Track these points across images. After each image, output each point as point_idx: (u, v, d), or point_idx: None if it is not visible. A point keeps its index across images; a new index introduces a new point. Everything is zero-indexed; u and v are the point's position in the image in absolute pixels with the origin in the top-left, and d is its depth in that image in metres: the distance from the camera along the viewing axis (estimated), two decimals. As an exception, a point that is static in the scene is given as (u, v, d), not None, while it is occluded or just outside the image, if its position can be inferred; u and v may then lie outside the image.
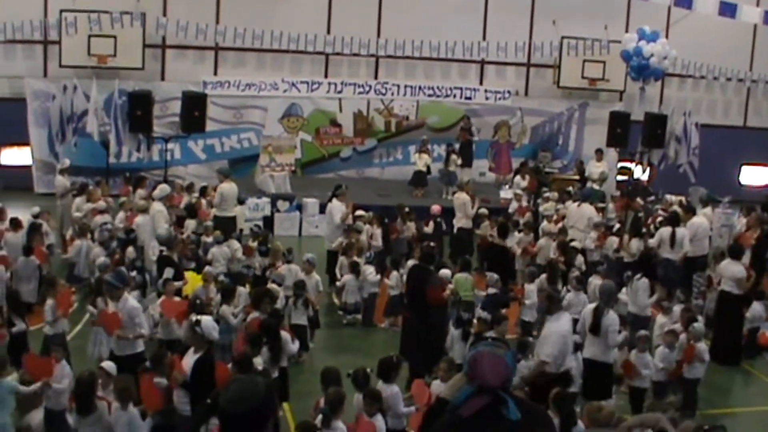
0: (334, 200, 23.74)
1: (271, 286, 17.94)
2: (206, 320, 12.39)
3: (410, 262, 20.16)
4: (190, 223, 23.12)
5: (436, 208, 25.81)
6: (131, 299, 14.45)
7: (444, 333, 16.88)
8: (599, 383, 15.49)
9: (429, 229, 24.99)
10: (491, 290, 19.35)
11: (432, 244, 19.74)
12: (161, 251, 19.49)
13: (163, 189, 22.88)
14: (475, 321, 16.83)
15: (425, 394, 13.29)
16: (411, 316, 17.24)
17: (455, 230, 25.82)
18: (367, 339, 19.79)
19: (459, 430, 5.89)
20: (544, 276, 20.14)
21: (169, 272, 18.05)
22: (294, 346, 15.36)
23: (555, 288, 17.01)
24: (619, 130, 30.66)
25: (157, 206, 21.94)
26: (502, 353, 6.04)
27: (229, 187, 24.33)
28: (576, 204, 25.56)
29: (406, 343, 17.06)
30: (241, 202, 25.64)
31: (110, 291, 14.60)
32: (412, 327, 17.03)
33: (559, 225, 24.75)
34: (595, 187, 30.64)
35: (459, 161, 32.65)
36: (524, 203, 28.23)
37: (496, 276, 19.63)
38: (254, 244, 21.59)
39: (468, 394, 5.96)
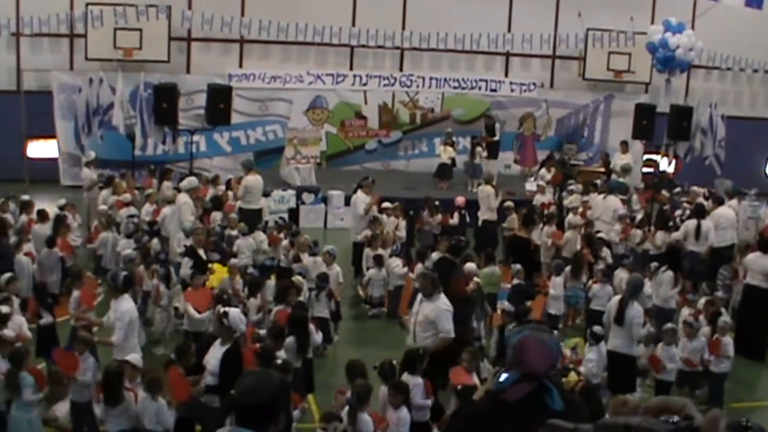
0: (359, 192, 23.73)
1: (297, 278, 17.97)
2: (233, 312, 12.44)
3: (435, 255, 20.21)
4: (216, 216, 23.18)
5: (460, 200, 25.71)
6: (126, 302, 14.33)
7: (466, 327, 16.90)
8: (623, 375, 15.48)
9: (454, 221, 24.92)
10: (515, 281, 19.34)
11: (462, 237, 19.67)
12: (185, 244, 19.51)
13: (190, 181, 22.94)
14: (498, 313, 16.81)
15: (431, 390, 13.40)
16: None
17: (480, 223, 25.76)
18: (391, 331, 19.74)
19: (503, 414, 5.90)
20: (569, 268, 20.13)
21: (186, 264, 18.08)
22: (318, 337, 15.43)
23: (432, 272, 17.00)
24: (645, 122, 30.53)
25: (183, 198, 21.98)
26: (547, 339, 6.01)
27: (254, 180, 24.41)
28: (602, 196, 25.51)
29: None
30: (266, 194, 25.69)
31: (109, 289, 14.59)
32: None
33: (585, 218, 24.72)
34: (620, 179, 30.50)
35: (484, 153, 32.62)
36: (548, 195, 28.10)
37: (518, 266, 19.56)
38: (281, 235, 21.62)
39: (513, 380, 5.94)
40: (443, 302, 14.71)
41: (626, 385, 15.34)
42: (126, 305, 14.15)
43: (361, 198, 23.49)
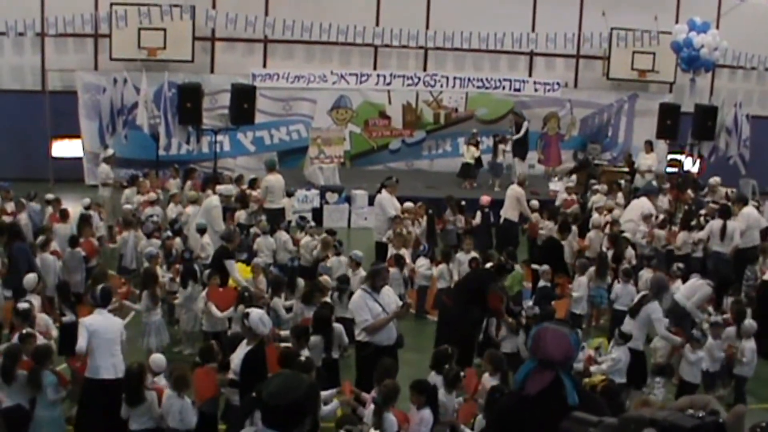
0: (383, 191, 23.60)
1: (323, 278, 17.88)
2: (254, 313, 12.31)
3: (461, 255, 20.19)
4: (240, 215, 23.19)
5: (485, 199, 25.51)
6: (92, 317, 13.83)
7: (478, 330, 16.99)
8: (630, 369, 15.42)
9: (476, 220, 24.82)
10: (541, 282, 19.31)
11: (510, 261, 19.51)
12: (222, 245, 19.36)
13: (228, 189, 22.78)
14: (523, 313, 16.75)
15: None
16: (452, 306, 17.12)
17: (501, 221, 25.56)
18: (418, 332, 19.55)
19: (525, 408, 5.98)
20: (593, 269, 20.05)
21: (230, 265, 18.00)
22: (346, 338, 15.35)
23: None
24: (669, 121, 30.44)
25: (215, 200, 21.88)
26: (566, 331, 6.15)
27: (274, 179, 24.42)
28: (636, 198, 25.41)
29: (443, 333, 16.91)
30: (289, 194, 25.67)
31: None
32: (450, 317, 16.95)
33: (607, 217, 24.58)
34: (648, 179, 30.26)
35: (507, 148, 32.60)
36: (572, 196, 27.85)
37: (546, 267, 19.49)
38: (302, 234, 21.61)
39: (529, 369, 6.04)
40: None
41: (634, 379, 15.37)
42: (89, 319, 13.42)
43: (386, 198, 23.37)
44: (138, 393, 12.07)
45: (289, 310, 16.90)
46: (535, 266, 20.62)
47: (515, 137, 32.94)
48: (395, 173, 28.05)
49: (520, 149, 32.98)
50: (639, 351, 15.77)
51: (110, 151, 26.69)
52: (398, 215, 22.76)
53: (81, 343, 13.00)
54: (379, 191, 23.76)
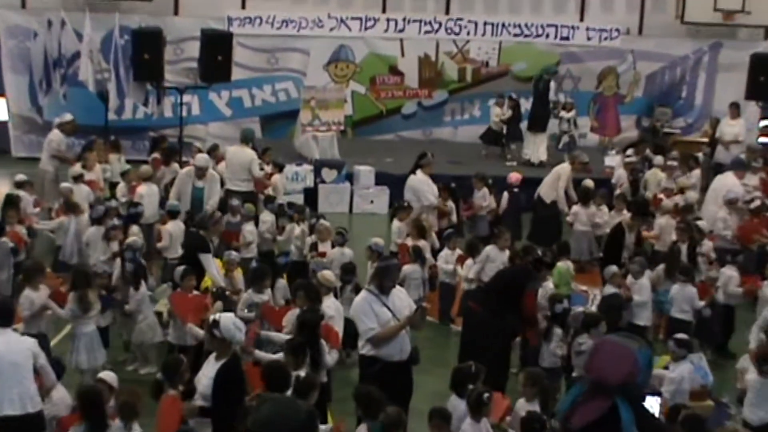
0: (419, 172, 23.55)
1: (325, 273, 17.42)
2: (226, 319, 12.21)
3: (491, 249, 19.89)
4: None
5: (514, 177, 25.14)
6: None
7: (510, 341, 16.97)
8: None
9: (504, 203, 24.40)
10: (609, 288, 18.87)
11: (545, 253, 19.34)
12: (196, 233, 19.23)
13: (204, 160, 22.64)
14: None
15: None
16: (481, 312, 16.97)
17: (535, 197, 25.23)
18: (437, 343, 19.47)
19: None
20: (662, 266, 19.78)
21: (207, 259, 17.97)
22: (332, 357, 14.93)
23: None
24: (763, 78, 30.32)
25: (183, 174, 21.81)
26: (634, 347, 5.85)
27: (233, 152, 24.15)
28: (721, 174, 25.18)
29: (469, 346, 16.74)
30: (280, 168, 25.46)
31: None
32: (478, 326, 16.82)
33: (679, 200, 24.32)
34: (734, 152, 29.87)
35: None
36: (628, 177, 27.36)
37: (614, 268, 19.02)
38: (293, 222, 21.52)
39: (576, 394, 5.82)
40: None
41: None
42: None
43: (422, 182, 23.32)
44: (103, 419, 11.89)
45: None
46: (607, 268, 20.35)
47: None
48: (409, 144, 27.99)
49: (536, 119, 32.57)
50: None
51: (68, 116, 25.96)
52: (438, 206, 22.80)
53: None
54: (413, 171, 23.67)
